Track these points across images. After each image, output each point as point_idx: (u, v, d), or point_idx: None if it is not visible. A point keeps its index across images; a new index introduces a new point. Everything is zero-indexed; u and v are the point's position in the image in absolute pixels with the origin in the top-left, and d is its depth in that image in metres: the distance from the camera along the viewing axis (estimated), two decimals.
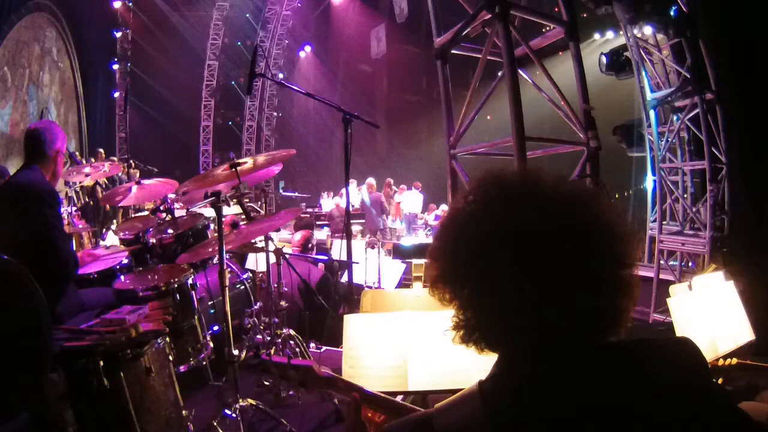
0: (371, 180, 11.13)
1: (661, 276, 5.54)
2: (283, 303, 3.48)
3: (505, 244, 0.80)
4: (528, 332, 0.80)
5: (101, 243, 5.97)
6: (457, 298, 0.86)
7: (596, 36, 11.76)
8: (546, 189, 0.84)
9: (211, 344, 3.05)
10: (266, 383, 3.14)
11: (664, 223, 5.93)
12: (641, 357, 0.79)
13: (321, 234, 8.39)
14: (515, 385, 0.78)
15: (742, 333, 2.29)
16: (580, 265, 0.79)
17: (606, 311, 0.81)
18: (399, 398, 1.61)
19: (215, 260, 3.32)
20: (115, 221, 8.67)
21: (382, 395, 1.19)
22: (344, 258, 3.70)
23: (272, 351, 3.23)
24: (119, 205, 4.75)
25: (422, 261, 3.01)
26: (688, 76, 5.24)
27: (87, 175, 4.27)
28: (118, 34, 14.15)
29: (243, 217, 3.34)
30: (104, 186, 8.83)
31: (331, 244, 7.55)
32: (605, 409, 0.74)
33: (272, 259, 3.46)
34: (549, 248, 0.79)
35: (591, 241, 0.80)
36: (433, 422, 0.81)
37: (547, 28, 4.73)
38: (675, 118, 5.76)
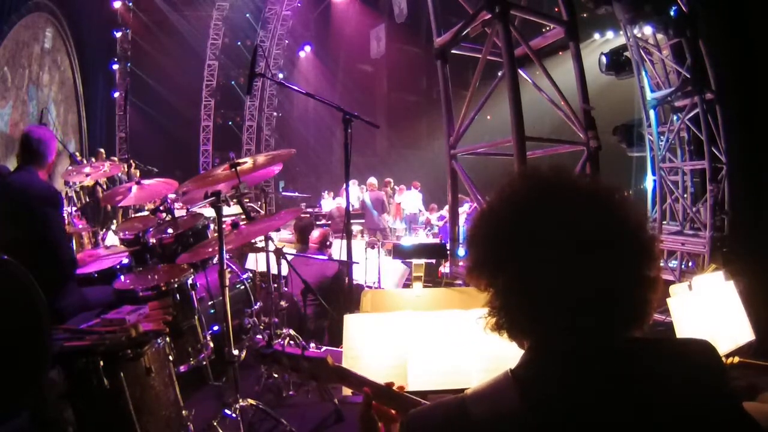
0: (372, 180, 11.13)
1: (661, 276, 5.53)
2: (283, 303, 3.48)
3: (539, 235, 0.83)
4: (559, 322, 0.82)
5: (101, 243, 5.97)
6: (492, 285, 0.89)
7: (596, 36, 11.77)
8: (580, 184, 0.88)
9: (211, 344, 3.05)
10: (272, 376, 3.13)
11: (664, 223, 5.93)
12: (662, 356, 0.82)
13: None
14: (549, 376, 0.80)
15: (742, 333, 2.29)
16: (611, 259, 0.82)
17: (635, 304, 0.84)
18: None
19: (215, 260, 3.31)
20: (115, 221, 8.65)
21: (394, 390, 1.17)
22: (344, 258, 3.70)
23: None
24: (119, 205, 4.75)
25: (422, 261, 3.01)
26: (688, 76, 5.24)
27: (87, 175, 4.27)
28: (118, 34, 14.12)
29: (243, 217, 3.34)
30: (104, 186, 8.82)
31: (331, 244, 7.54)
32: (628, 405, 0.76)
33: (273, 258, 3.46)
34: (581, 240, 0.81)
35: (623, 235, 0.83)
36: (468, 410, 0.80)
37: (547, 28, 4.74)
38: (675, 118, 5.75)
